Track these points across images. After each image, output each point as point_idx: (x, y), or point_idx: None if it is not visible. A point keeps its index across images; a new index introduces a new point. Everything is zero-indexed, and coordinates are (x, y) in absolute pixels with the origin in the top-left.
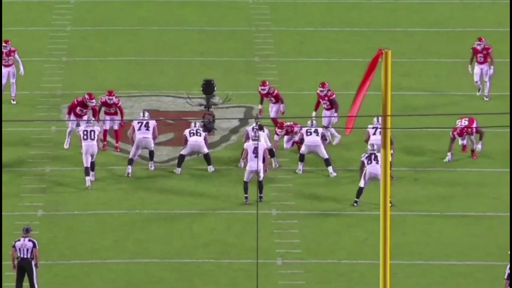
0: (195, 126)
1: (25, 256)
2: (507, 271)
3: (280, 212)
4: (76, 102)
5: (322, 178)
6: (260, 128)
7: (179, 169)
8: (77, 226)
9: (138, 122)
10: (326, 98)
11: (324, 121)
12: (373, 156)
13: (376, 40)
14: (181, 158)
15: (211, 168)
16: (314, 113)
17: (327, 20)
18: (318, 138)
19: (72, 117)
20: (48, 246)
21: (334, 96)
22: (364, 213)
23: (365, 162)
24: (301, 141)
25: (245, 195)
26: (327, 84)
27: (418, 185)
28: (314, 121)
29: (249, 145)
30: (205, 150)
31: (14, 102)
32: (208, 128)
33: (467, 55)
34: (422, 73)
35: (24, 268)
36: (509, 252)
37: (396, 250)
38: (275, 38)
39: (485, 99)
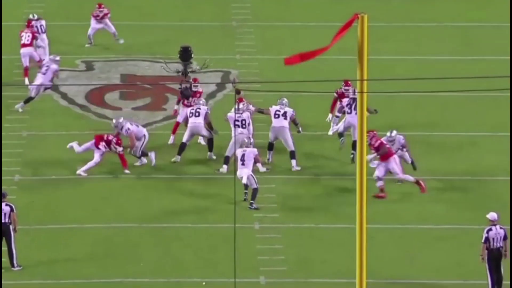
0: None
1: (4, 221)
2: (484, 234)
3: (257, 177)
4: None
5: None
6: (237, 92)
7: (179, 157)
8: (55, 191)
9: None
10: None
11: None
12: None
13: (356, 6)
14: (183, 146)
15: (211, 155)
16: (330, 116)
17: None
18: (286, 123)
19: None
20: (24, 210)
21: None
22: (342, 177)
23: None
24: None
25: (245, 191)
26: (351, 83)
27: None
28: (285, 100)
29: (238, 152)
30: (205, 133)
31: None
32: (185, 95)
33: (442, 19)
34: (399, 37)
35: (2, 232)
36: (486, 216)
37: (373, 215)
38: (252, 3)
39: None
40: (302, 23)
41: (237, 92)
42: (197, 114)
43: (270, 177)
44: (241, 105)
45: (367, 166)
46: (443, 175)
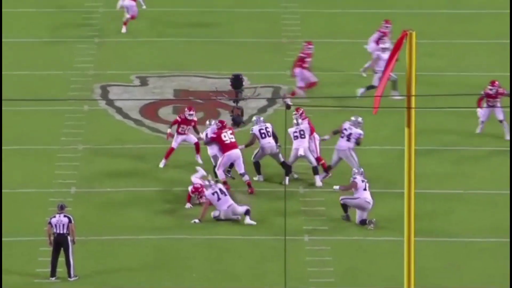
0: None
1: (61, 232)
2: None
3: (307, 190)
4: (179, 120)
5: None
6: (288, 107)
7: (261, 176)
8: (109, 203)
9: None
10: (497, 96)
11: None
12: (367, 184)
13: (400, 22)
14: (257, 164)
15: (290, 177)
16: (478, 111)
17: (353, 1)
18: (351, 144)
19: (178, 137)
20: (80, 222)
21: (505, 91)
22: (389, 191)
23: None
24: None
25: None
26: (497, 82)
27: (442, 164)
28: (360, 119)
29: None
30: (278, 153)
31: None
32: (237, 122)
33: (485, 36)
34: (443, 53)
35: (60, 243)
36: None
37: (420, 227)
38: (302, 20)
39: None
40: (349, 40)
41: (288, 107)
42: (268, 134)
43: (319, 190)
44: (296, 116)
45: (415, 180)
46: (489, 188)
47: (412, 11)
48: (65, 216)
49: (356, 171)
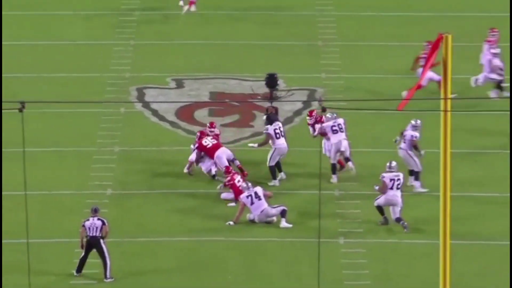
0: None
1: (95, 234)
2: None
3: (342, 192)
4: (199, 135)
5: (383, 161)
6: (323, 110)
7: (276, 181)
8: (145, 205)
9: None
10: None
11: None
12: (395, 182)
13: (435, 25)
14: (273, 168)
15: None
16: None
17: (388, 4)
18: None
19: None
20: (116, 224)
21: None
22: (425, 194)
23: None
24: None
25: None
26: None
27: (477, 167)
28: (419, 121)
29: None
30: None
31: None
32: (273, 120)
33: None
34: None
35: (93, 245)
36: None
37: (455, 230)
38: (338, 23)
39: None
40: (385, 42)
41: (323, 110)
42: (282, 134)
43: (355, 193)
44: (328, 115)
45: (451, 183)
46: None
47: (447, 14)
48: (98, 219)
49: (387, 170)
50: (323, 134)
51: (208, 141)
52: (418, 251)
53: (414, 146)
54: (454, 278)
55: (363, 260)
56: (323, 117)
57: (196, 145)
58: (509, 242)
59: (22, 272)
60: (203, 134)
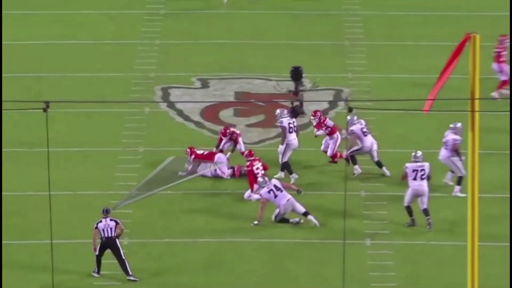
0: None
1: (110, 235)
2: None
3: (369, 194)
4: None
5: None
6: (350, 110)
7: (294, 174)
8: (169, 205)
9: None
10: None
11: None
12: (419, 173)
13: (465, 25)
14: (288, 163)
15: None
16: None
17: (415, 4)
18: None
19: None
20: (141, 224)
21: None
22: (452, 196)
23: (409, 176)
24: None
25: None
26: None
27: (506, 168)
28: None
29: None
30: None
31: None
32: (298, 112)
33: None
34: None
35: (108, 246)
36: None
37: (484, 232)
38: (364, 22)
39: None
40: (413, 42)
41: (350, 110)
42: (295, 129)
43: (382, 193)
44: (348, 117)
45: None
46: None
47: (475, 14)
48: (111, 219)
49: (413, 159)
50: (355, 138)
51: (201, 150)
52: (445, 252)
53: (455, 150)
54: (482, 280)
55: (389, 262)
56: (327, 118)
57: (193, 156)
58: None
59: (47, 272)
60: (191, 151)
